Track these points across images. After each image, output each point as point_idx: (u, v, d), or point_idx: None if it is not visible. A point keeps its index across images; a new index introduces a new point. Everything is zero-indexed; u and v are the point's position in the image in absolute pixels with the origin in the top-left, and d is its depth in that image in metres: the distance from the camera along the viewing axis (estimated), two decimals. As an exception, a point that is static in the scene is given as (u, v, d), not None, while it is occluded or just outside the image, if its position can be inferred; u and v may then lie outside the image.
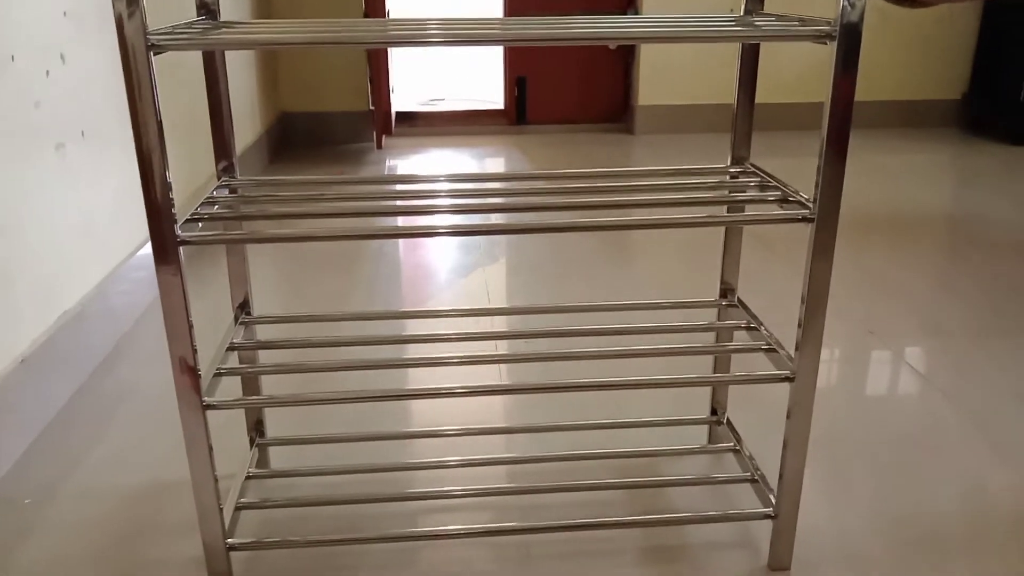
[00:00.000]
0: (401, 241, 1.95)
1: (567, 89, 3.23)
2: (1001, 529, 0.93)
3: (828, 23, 0.70)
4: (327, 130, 2.96)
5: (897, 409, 1.19)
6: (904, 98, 3.20)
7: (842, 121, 0.72)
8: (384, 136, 2.92)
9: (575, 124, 3.26)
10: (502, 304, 1.58)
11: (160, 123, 0.67)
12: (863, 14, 0.68)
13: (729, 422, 1.05)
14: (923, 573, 0.86)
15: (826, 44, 0.71)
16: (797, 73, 3.09)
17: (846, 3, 0.68)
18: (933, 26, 3.13)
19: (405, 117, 3.27)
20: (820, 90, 3.22)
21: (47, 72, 1.20)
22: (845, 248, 1.86)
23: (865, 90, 3.17)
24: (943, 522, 0.94)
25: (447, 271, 1.75)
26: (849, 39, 0.69)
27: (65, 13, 1.26)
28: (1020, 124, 2.89)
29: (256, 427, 1.03)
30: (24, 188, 1.13)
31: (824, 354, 1.34)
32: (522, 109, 3.24)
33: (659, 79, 3.11)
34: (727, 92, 3.08)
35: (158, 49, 0.65)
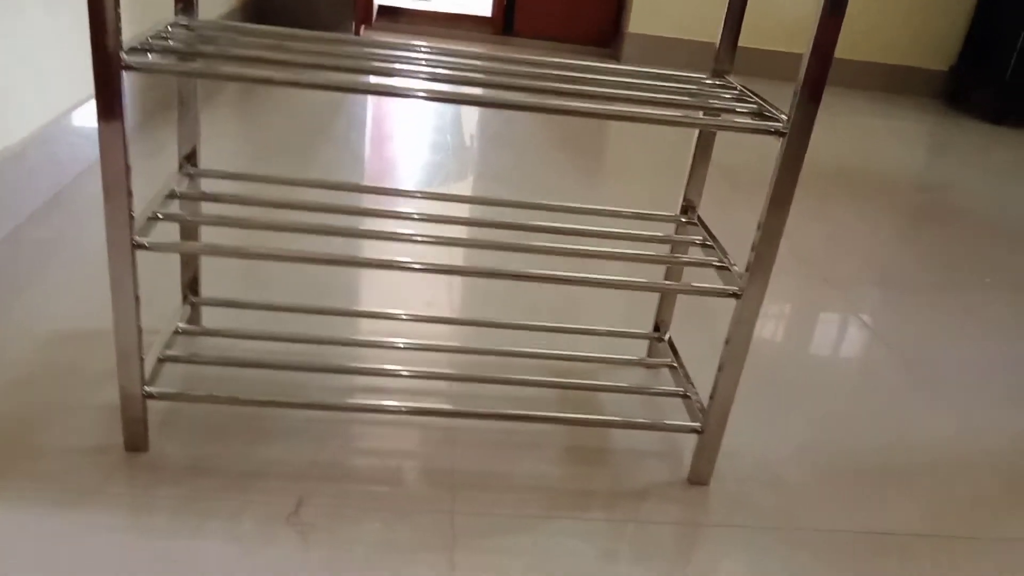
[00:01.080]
0: (369, 128, 1.89)
1: (558, 5, 3.14)
2: (916, 465, 0.95)
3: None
4: (305, 13, 2.84)
5: (839, 354, 1.20)
6: (891, 62, 3.18)
7: (824, 47, 0.69)
8: (363, 27, 2.82)
9: (561, 43, 3.19)
10: (467, 190, 1.55)
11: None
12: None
13: (671, 341, 1.05)
14: (836, 501, 0.87)
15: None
16: (789, 22, 3.04)
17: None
18: (933, -7, 3.09)
19: (388, 11, 3.16)
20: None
21: None
22: (810, 198, 1.86)
23: (851, 48, 3.14)
24: (862, 458, 0.96)
25: (414, 168, 1.71)
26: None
27: None
28: (1003, 102, 2.89)
29: (191, 285, 0.99)
30: (-32, 5, 1.06)
31: (775, 295, 1.34)
32: (510, 19, 3.15)
33: (652, 6, 3.03)
34: (716, 31, 3.02)
35: None
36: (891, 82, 3.20)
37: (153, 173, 1.42)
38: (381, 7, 3.10)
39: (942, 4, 3.11)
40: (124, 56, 0.67)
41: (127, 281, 0.75)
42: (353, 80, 0.74)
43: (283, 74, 0.72)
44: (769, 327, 1.24)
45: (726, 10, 0.91)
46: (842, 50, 3.10)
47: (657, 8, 3.03)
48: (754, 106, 0.80)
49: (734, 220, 1.63)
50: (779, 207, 0.75)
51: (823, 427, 1.01)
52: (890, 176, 2.13)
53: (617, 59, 3.09)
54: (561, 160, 1.85)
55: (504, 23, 3.15)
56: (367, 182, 1.60)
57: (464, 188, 1.63)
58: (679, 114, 0.76)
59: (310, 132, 1.80)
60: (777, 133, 0.73)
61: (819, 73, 0.70)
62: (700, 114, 0.88)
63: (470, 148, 1.86)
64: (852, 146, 2.35)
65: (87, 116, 1.43)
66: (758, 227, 0.76)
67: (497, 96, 0.75)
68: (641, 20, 3.04)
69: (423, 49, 0.86)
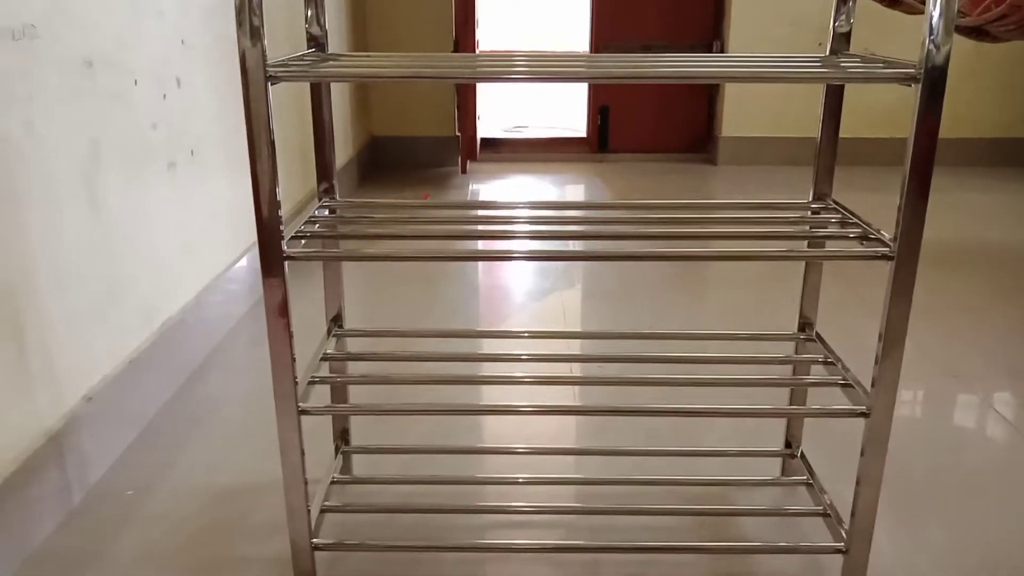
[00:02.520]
0: (481, 264, 2.00)
1: (649, 119, 3.26)
2: (1084, 581, 0.91)
3: (913, 66, 0.71)
4: (414, 154, 3.05)
5: (974, 450, 1.17)
6: (994, 136, 3.12)
7: (924, 161, 0.73)
8: (469, 161, 2.99)
9: (657, 153, 3.28)
10: (577, 327, 1.61)
11: (273, 147, 0.73)
12: (948, 57, 0.70)
13: (803, 455, 1.05)
14: (999, 619, 0.85)
15: (911, 86, 0.72)
16: (881, 109, 3.04)
17: (931, 47, 0.69)
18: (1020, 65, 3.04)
19: (489, 143, 3.35)
20: (904, 126, 3.16)
21: (164, 95, 1.30)
22: (927, 284, 1.83)
23: (952, 127, 3.10)
24: (1014, 564, 0.92)
25: (524, 293, 1.79)
26: (933, 81, 0.70)
27: (183, 41, 1.36)
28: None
29: (342, 435, 1.08)
30: (141, 203, 1.22)
31: (904, 393, 1.33)
32: (604, 138, 3.28)
33: (742, 111, 3.10)
34: (809, 125, 3.04)
35: (275, 80, 0.71)
36: (996, 155, 3.13)
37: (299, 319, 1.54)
38: (484, 140, 3.29)
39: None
40: (286, 248, 0.78)
41: (294, 442, 0.83)
42: (466, 248, 0.82)
43: (408, 244, 0.81)
44: (901, 430, 1.22)
45: (819, 135, 0.96)
46: (942, 129, 3.06)
47: (747, 111, 3.10)
48: (859, 230, 0.83)
49: (850, 325, 1.62)
50: (895, 330, 0.77)
51: (970, 536, 0.98)
52: (1007, 253, 2.07)
53: (713, 163, 3.15)
54: (671, 272, 1.90)
55: (599, 142, 3.28)
56: (483, 308, 1.69)
57: (575, 306, 1.69)
58: (784, 248, 0.80)
59: (437, 267, 1.92)
60: (884, 258, 0.76)
61: (921, 190, 0.73)
62: (805, 244, 0.92)
63: (579, 270, 1.93)
64: (963, 226, 2.31)
65: (234, 275, 1.58)
66: (875, 359, 0.78)
67: (602, 249, 0.81)
68: (732, 124, 3.11)
69: (525, 206, 0.94)
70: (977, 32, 1.64)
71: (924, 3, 1.70)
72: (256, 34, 0.69)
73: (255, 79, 0.70)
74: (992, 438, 1.21)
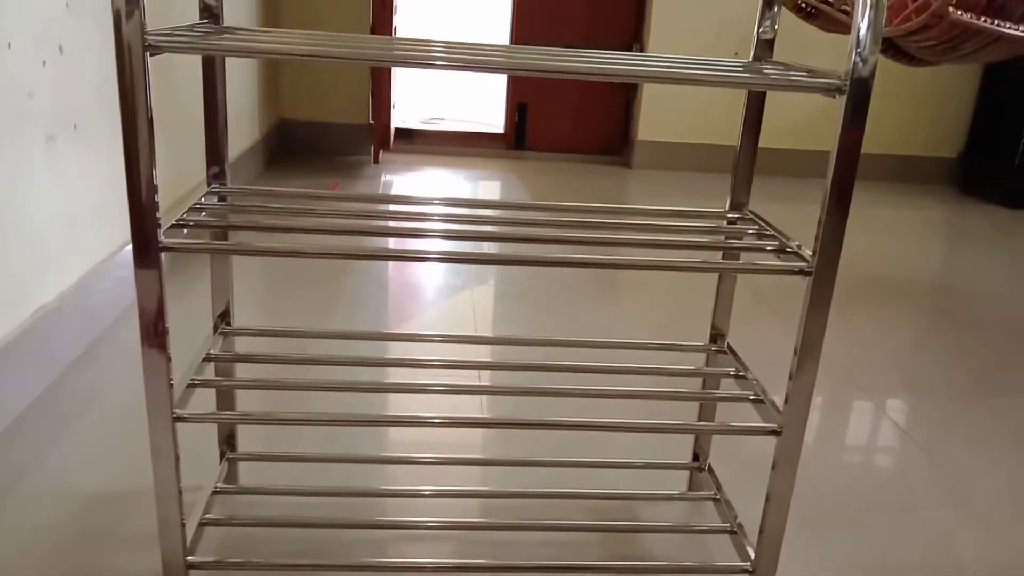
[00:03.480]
0: (390, 270, 1.93)
1: (568, 118, 3.24)
2: (978, 599, 0.91)
3: (838, 77, 0.69)
4: (325, 140, 2.95)
5: (877, 465, 1.17)
6: (900, 152, 3.22)
7: (846, 176, 0.70)
8: (382, 151, 2.91)
9: (573, 153, 3.27)
10: (488, 330, 1.56)
11: (151, 125, 0.65)
12: (874, 70, 0.68)
13: (711, 469, 1.03)
14: (898, 640, 0.84)
15: (835, 97, 0.70)
16: (798, 120, 3.11)
17: (858, 59, 0.67)
18: (933, 84, 3.16)
19: (404, 133, 3.27)
20: (820, 138, 3.26)
21: (44, 62, 1.18)
22: (832, 298, 1.86)
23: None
24: (920, 588, 0.92)
25: (434, 290, 1.74)
26: (859, 94, 0.68)
27: (67, 5, 1.24)
28: (1015, 186, 2.91)
29: (227, 440, 1.00)
30: (11, 177, 1.11)
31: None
32: (522, 134, 3.24)
33: (659, 115, 3.12)
34: (726, 133, 3.09)
35: (155, 50, 0.64)
36: (902, 172, 3.24)
37: (184, 313, 1.45)
38: (398, 130, 3.21)
39: (945, 91, 3.17)
40: (163, 238, 0.70)
41: (167, 451, 0.75)
42: (372, 247, 0.76)
43: (307, 239, 0.74)
44: (806, 442, 1.22)
45: (739, 144, 0.94)
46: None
47: (664, 115, 3.11)
48: (775, 242, 0.81)
49: (760, 335, 1.63)
50: (811, 347, 0.75)
51: (873, 553, 0.98)
52: (910, 271, 2.13)
53: (628, 165, 3.16)
54: (585, 276, 1.87)
55: (516, 138, 3.25)
56: (391, 304, 1.62)
57: (487, 306, 1.65)
58: (700, 259, 0.77)
59: (340, 261, 1.84)
60: (802, 273, 0.74)
61: (841, 203, 0.71)
62: (719, 255, 0.90)
63: (492, 269, 1.89)
64: (869, 241, 2.37)
65: (123, 261, 1.47)
66: (790, 376, 0.76)
67: (515, 253, 0.76)
68: (649, 128, 3.12)
69: (439, 202, 0.89)
70: (895, 50, 1.66)
71: (841, 19, 1.72)
72: (133, -4, 0.61)
73: (131, 47, 0.62)
74: (895, 451, 1.22)
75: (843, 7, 1.73)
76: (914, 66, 1.78)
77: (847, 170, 0.70)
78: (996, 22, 1.56)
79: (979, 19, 1.53)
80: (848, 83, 0.68)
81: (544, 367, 0.92)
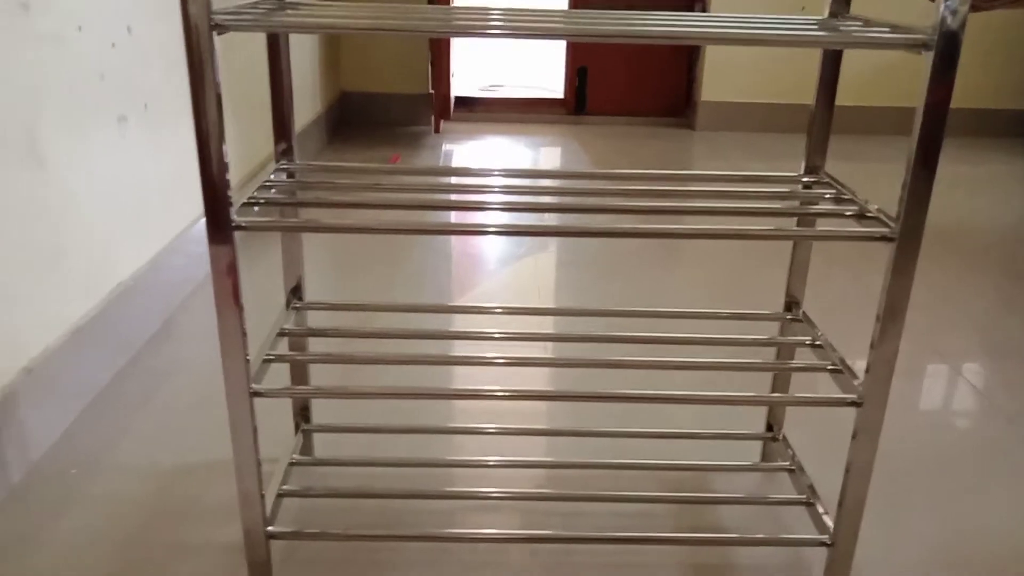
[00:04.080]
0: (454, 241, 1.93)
1: (628, 81, 3.18)
2: (1070, 573, 0.88)
3: (924, 31, 0.65)
4: (386, 111, 2.95)
5: (957, 433, 1.13)
6: (973, 106, 3.08)
7: (933, 136, 0.67)
8: (442, 120, 2.90)
9: (635, 117, 3.21)
10: (551, 300, 1.56)
11: (220, 104, 0.66)
12: (964, 23, 0.64)
13: (785, 439, 1.01)
14: (985, 615, 0.82)
15: (920, 54, 0.66)
16: (865, 76, 2.99)
17: (947, 11, 0.63)
18: (1006, 34, 3.00)
19: (464, 102, 3.25)
20: (892, 95, 3.13)
21: (113, 44, 1.20)
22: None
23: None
24: (999, 556, 0.89)
25: (497, 260, 1.73)
26: (948, 48, 0.64)
27: (134, -14, 1.26)
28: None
29: (302, 413, 1.02)
30: (86, 158, 1.14)
31: (885, 372, 1.29)
32: (582, 99, 3.20)
33: (723, 75, 3.03)
34: (792, 91, 2.99)
35: (221, 29, 0.64)
36: (976, 126, 3.10)
37: (257, 288, 1.47)
38: (458, 98, 3.20)
39: (1018, 43, 3.01)
40: (235, 216, 0.71)
41: (246, 425, 0.77)
42: (436, 221, 0.76)
43: (374, 214, 0.74)
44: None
45: (815, 104, 0.90)
46: (915, 99, 3.03)
47: (728, 75, 3.03)
48: (855, 207, 0.78)
49: (833, 300, 1.58)
50: (894, 315, 0.72)
51: (956, 523, 0.95)
52: (988, 228, 2.04)
53: (691, 127, 3.09)
54: (652, 243, 1.85)
55: (576, 103, 3.20)
56: (454, 276, 1.62)
57: (550, 276, 1.64)
58: (774, 227, 0.74)
59: (399, 247, 1.85)
60: (885, 239, 0.71)
61: (928, 164, 0.68)
62: (794, 222, 0.87)
63: (555, 239, 1.87)
64: (945, 197, 2.27)
65: (195, 237, 1.50)
66: (872, 344, 0.73)
67: (584, 224, 0.75)
68: (712, 88, 3.05)
69: (499, 174, 0.88)
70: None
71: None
72: (199, -24, 0.61)
73: (199, 27, 0.63)
74: (976, 419, 1.17)
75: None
76: (985, 10, 1.69)
77: (934, 130, 0.67)
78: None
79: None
80: (935, 38, 0.64)
81: (611, 338, 0.91)
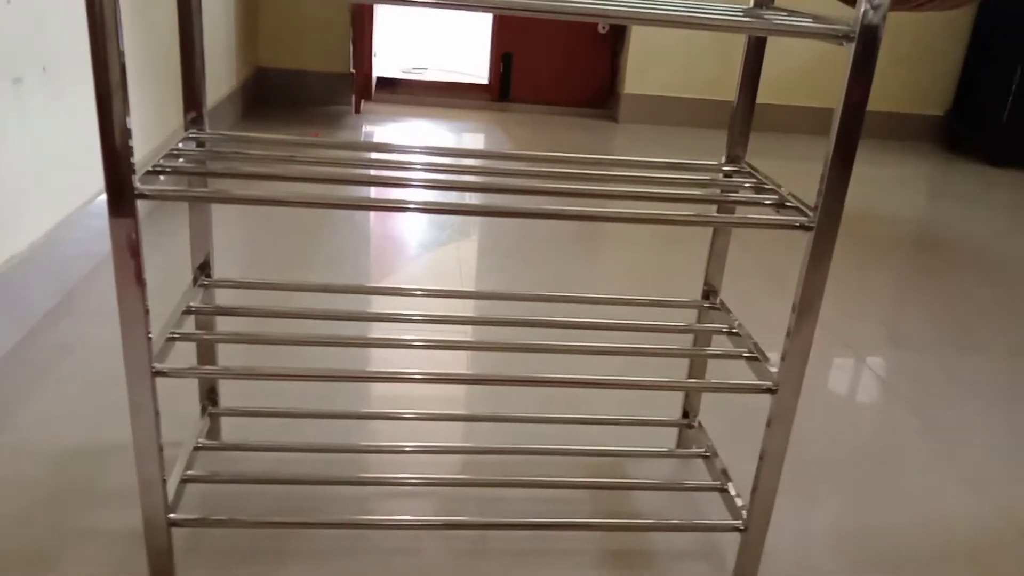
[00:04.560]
0: (372, 219, 1.89)
1: (553, 70, 3.18)
2: (960, 550, 0.91)
3: (847, 23, 0.66)
4: (304, 89, 2.88)
5: (864, 422, 1.17)
6: (886, 109, 3.20)
7: (852, 128, 0.68)
8: (363, 101, 2.85)
9: (558, 106, 3.22)
10: (472, 283, 1.54)
11: (123, 64, 0.61)
12: (884, 17, 0.65)
13: (700, 425, 1.02)
14: (885, 596, 0.84)
15: (841, 45, 0.67)
16: (790, 74, 3.07)
17: (868, 5, 0.64)
18: (919, 41, 3.13)
19: (386, 83, 3.20)
20: (811, 94, 3.22)
21: (7, 0, 1.13)
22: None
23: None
24: (906, 543, 0.92)
25: (418, 243, 1.70)
26: (868, 42, 0.65)
27: (34, -61, 1.18)
28: (1000, 145, 2.90)
29: (209, 395, 0.97)
30: (-24, 122, 1.06)
31: (796, 362, 1.32)
32: (506, 86, 3.18)
33: (647, 68, 3.07)
34: (715, 87, 3.04)
35: (128, -17, 0.60)
36: (889, 129, 3.22)
37: (163, 264, 1.41)
38: (380, 79, 3.14)
39: (933, 49, 3.14)
40: (138, 184, 0.67)
41: (147, 407, 0.73)
42: (354, 196, 0.73)
43: (289, 187, 0.71)
44: (795, 400, 1.22)
45: (737, 93, 0.91)
46: (834, 100, 3.13)
47: (649, 69, 3.06)
48: (775, 196, 0.79)
49: (750, 290, 1.61)
50: (809, 304, 0.73)
51: (861, 511, 0.98)
52: (895, 226, 2.12)
53: (615, 119, 3.12)
54: (573, 227, 1.85)
55: (500, 89, 3.19)
56: (373, 257, 1.59)
57: (471, 258, 1.62)
58: (695, 213, 0.74)
59: (321, 211, 1.80)
60: (803, 228, 0.72)
61: (845, 156, 0.69)
62: (714, 209, 0.87)
63: (476, 221, 1.86)
64: (855, 195, 2.35)
65: (97, 210, 1.43)
66: (788, 332, 0.74)
67: (502, 204, 0.74)
68: (636, 81, 3.08)
69: (422, 151, 0.86)
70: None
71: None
72: (102, -76, 0.57)
73: (101, -21, 0.58)
74: (882, 408, 1.21)
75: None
76: (911, 10, 1.74)
77: (853, 122, 0.68)
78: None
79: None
80: (857, 30, 0.65)
81: (530, 322, 0.90)
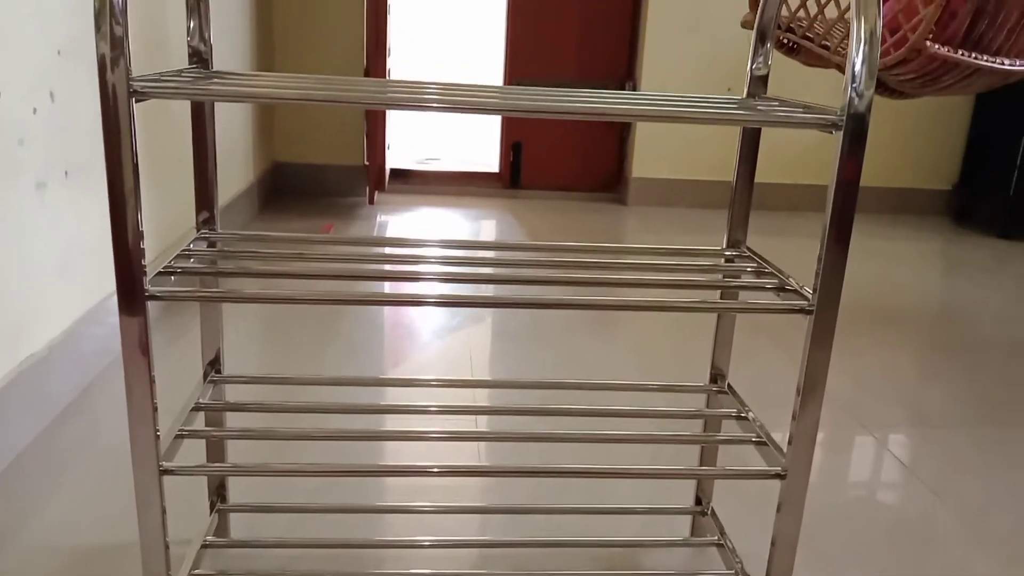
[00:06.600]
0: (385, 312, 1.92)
1: (562, 157, 3.25)
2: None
3: (835, 112, 0.68)
4: (320, 182, 2.95)
5: (883, 502, 1.15)
6: (895, 185, 3.23)
7: (845, 211, 0.69)
8: (377, 192, 2.91)
9: (569, 191, 3.27)
10: (484, 371, 1.54)
11: (136, 172, 0.64)
12: (870, 105, 0.67)
13: (713, 512, 1.01)
14: None
15: (831, 133, 0.69)
16: (792, 155, 3.12)
17: (854, 94, 0.66)
18: (924, 116, 3.18)
19: (399, 174, 3.27)
20: (815, 173, 3.26)
21: (34, 109, 1.18)
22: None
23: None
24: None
25: (430, 332, 1.72)
26: (856, 129, 0.67)
27: (59, 52, 1.24)
28: (1009, 217, 2.91)
29: (218, 491, 0.97)
30: (1, 225, 1.10)
31: (812, 443, 1.30)
32: (517, 174, 3.25)
33: (653, 152, 3.13)
34: (720, 169, 3.10)
35: (140, 96, 0.63)
36: (897, 204, 3.24)
37: (176, 360, 1.42)
38: (393, 170, 3.22)
39: (939, 124, 3.19)
40: (148, 286, 0.68)
41: (153, 505, 0.73)
42: (368, 291, 0.75)
43: (300, 286, 0.73)
44: (812, 481, 1.19)
45: (735, 180, 0.93)
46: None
47: (658, 153, 3.12)
48: (775, 280, 0.80)
49: (760, 369, 1.61)
50: (813, 386, 0.73)
51: (885, 597, 0.95)
52: (908, 303, 2.12)
53: (623, 203, 3.16)
54: (583, 314, 1.86)
55: (511, 177, 3.25)
56: (386, 347, 1.60)
57: (483, 347, 1.63)
58: (698, 299, 0.75)
59: (328, 319, 1.82)
60: (803, 311, 0.72)
61: (841, 238, 0.70)
62: (718, 294, 0.88)
63: (485, 322, 1.87)
64: (866, 274, 2.36)
65: (110, 310, 1.45)
66: (793, 416, 0.74)
67: (511, 295, 0.75)
68: (643, 165, 3.13)
69: (434, 244, 0.88)
70: (876, 84, 1.67)
71: (822, 54, 1.72)
72: (118, 43, 0.60)
73: (117, 93, 0.62)
74: (901, 488, 1.19)
75: (824, 43, 1.74)
76: (895, 99, 1.78)
77: (846, 205, 0.69)
78: (974, 55, 1.56)
79: (956, 52, 1.54)
80: (845, 118, 0.67)
81: (542, 411, 0.90)
